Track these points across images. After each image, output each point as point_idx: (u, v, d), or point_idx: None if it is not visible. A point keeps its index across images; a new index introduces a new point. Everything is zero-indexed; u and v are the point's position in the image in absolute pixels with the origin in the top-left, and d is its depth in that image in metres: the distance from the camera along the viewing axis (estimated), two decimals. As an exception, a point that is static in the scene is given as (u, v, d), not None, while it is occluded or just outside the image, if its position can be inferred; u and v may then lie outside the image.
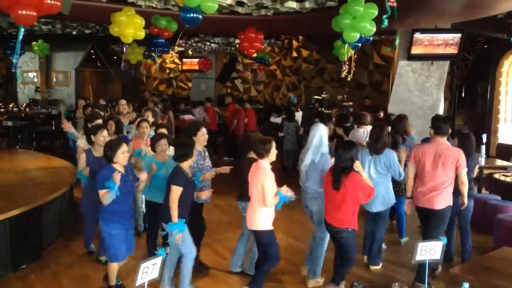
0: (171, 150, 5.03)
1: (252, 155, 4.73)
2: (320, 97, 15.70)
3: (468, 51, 12.70)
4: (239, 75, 19.15)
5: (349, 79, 8.63)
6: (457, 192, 4.85)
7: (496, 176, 7.73)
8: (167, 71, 20.88)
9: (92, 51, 17.73)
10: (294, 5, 7.62)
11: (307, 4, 7.63)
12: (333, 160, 4.64)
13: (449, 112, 13.33)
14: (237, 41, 12.83)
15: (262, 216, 4.35)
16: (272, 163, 4.47)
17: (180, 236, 4.27)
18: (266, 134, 6.46)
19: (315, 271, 4.89)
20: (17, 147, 11.76)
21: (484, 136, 8.31)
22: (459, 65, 13.04)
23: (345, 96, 15.33)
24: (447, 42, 9.66)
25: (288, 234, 6.35)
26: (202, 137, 4.90)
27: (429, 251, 3.48)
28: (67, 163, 7.52)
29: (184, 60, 18.05)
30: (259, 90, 19.01)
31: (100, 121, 6.07)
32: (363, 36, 6.82)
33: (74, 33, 13.07)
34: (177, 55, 18.54)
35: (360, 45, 7.53)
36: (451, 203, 4.78)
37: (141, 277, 3.00)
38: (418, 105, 9.98)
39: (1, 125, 12.72)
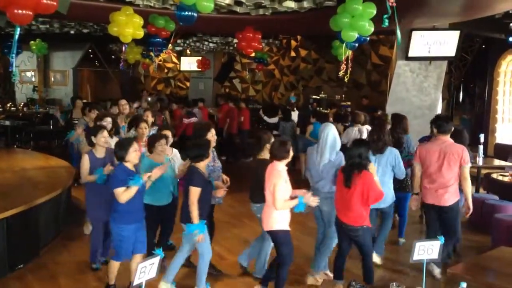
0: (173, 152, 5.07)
1: (263, 156, 4.77)
2: (318, 97, 15.70)
3: (466, 51, 12.73)
4: (237, 74, 19.15)
5: (346, 80, 8.64)
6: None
7: (494, 176, 7.76)
8: (165, 70, 20.88)
9: (90, 51, 17.72)
10: (292, 4, 7.62)
11: (305, 4, 7.63)
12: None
13: (447, 112, 13.35)
14: (235, 40, 12.81)
15: (277, 216, 4.33)
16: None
17: (201, 236, 4.30)
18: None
19: (319, 267, 4.95)
20: (15, 146, 11.73)
21: (482, 136, 8.33)
22: (457, 65, 13.07)
23: (343, 95, 15.34)
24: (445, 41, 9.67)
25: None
26: (212, 138, 4.91)
27: (427, 250, 3.48)
28: (65, 162, 7.51)
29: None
30: (257, 89, 19.00)
31: (109, 119, 6.02)
32: (360, 36, 6.82)
33: (72, 32, 13.03)
34: (175, 54, 18.55)
35: (357, 45, 7.53)
36: (459, 197, 4.99)
37: (139, 277, 3.00)
38: (416, 105, 9.99)
39: (-2, 125, 12.70)
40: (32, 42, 13.86)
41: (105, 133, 5.02)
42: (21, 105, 15.75)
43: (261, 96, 18.84)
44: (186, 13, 6.07)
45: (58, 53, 17.42)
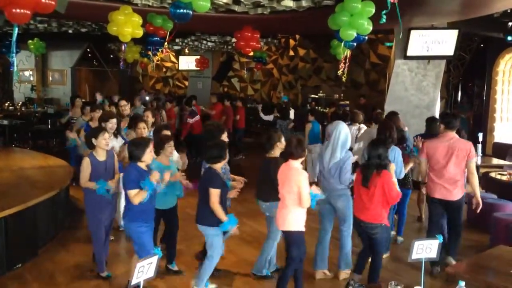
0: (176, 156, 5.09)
1: (273, 154, 4.78)
2: (316, 96, 15.72)
3: (465, 50, 12.72)
4: (236, 73, 19.14)
5: (344, 79, 8.64)
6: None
7: (492, 175, 7.76)
8: (164, 69, 20.85)
9: (88, 50, 17.68)
10: (290, 3, 7.61)
11: (304, 3, 7.62)
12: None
13: (445, 111, 13.35)
14: (233, 40, 12.81)
15: (297, 217, 4.32)
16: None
17: (236, 229, 4.34)
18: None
19: (348, 263, 5.07)
20: (13, 145, 11.70)
21: (480, 135, 8.33)
22: (455, 64, 13.07)
23: (342, 95, 15.35)
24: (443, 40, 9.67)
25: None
26: (226, 139, 4.92)
27: (425, 249, 3.47)
28: (63, 162, 7.49)
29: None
30: (255, 89, 19.00)
31: (115, 120, 5.76)
32: (359, 34, 6.82)
33: (70, 31, 13.01)
34: (173, 53, 18.52)
35: (355, 44, 7.54)
36: (464, 192, 5.16)
37: (137, 276, 2.99)
38: (415, 104, 9.99)
39: (-3, 124, 12.67)
40: (30, 41, 13.84)
41: (106, 135, 4.83)
42: (19, 105, 15.72)
43: (259, 95, 18.84)
44: (181, 10, 6.05)
45: (56, 52, 17.39)
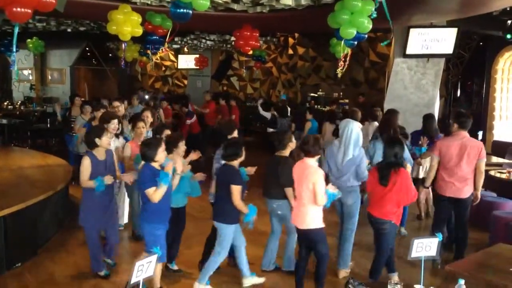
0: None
1: (283, 153, 4.84)
2: (316, 95, 15.71)
3: (464, 48, 12.71)
4: (235, 72, 19.12)
5: (339, 75, 8.64)
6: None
7: (492, 173, 7.76)
8: (163, 68, 20.83)
9: (87, 49, 17.66)
10: (290, 2, 7.59)
11: (303, 1, 7.60)
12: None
13: (445, 109, 13.35)
14: (233, 38, 12.79)
15: (314, 215, 4.35)
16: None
17: (255, 217, 4.46)
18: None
19: (346, 262, 5.09)
20: (12, 145, 11.69)
21: (480, 133, 8.33)
22: (454, 62, 13.06)
23: (341, 93, 15.34)
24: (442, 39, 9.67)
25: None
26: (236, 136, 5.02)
27: (425, 247, 3.48)
28: (63, 161, 7.49)
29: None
30: (255, 87, 18.99)
31: (116, 121, 5.71)
32: (359, 33, 6.80)
33: (69, 30, 12.98)
34: (172, 52, 18.49)
35: (356, 43, 7.52)
36: (473, 190, 5.26)
37: (136, 275, 2.99)
38: (414, 102, 9.99)
39: (-5, 123, 12.65)
40: (29, 40, 13.79)
41: (109, 134, 4.91)
42: (18, 104, 15.70)
43: (259, 94, 18.83)
44: (181, 10, 6.04)
45: (55, 51, 17.36)
